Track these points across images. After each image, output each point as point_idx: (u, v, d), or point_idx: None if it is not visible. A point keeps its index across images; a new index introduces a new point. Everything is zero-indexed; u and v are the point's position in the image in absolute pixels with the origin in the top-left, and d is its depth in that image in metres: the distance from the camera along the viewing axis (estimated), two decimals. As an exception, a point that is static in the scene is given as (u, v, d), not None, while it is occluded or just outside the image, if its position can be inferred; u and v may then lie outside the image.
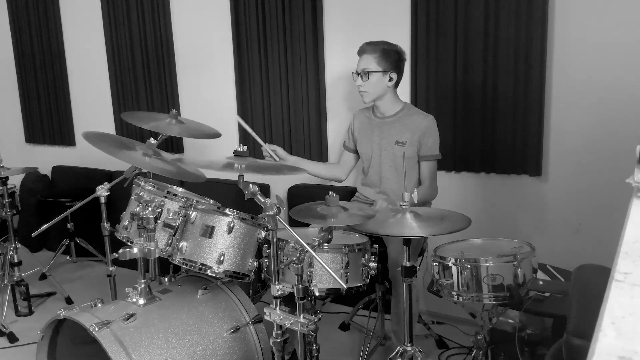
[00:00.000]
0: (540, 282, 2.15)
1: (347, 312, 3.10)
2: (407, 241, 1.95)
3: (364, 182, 2.72)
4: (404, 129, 2.51)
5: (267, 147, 2.58)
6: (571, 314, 1.43)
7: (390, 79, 2.47)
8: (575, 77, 2.53)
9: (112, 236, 2.33)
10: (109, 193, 2.37)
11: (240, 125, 2.45)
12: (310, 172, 2.73)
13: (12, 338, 2.92)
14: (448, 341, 2.77)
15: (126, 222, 2.19)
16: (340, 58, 3.10)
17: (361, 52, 2.49)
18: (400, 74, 2.51)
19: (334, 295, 2.30)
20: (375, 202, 2.47)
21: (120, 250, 1.93)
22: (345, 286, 1.84)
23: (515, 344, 2.04)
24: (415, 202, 1.96)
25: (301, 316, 1.71)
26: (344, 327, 2.99)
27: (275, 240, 1.74)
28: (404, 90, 2.87)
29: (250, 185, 1.76)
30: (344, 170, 2.80)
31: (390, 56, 2.45)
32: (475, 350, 2.13)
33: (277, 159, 2.59)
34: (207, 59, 3.62)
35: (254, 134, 2.52)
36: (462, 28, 2.69)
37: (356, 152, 2.74)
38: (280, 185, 3.36)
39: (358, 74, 2.48)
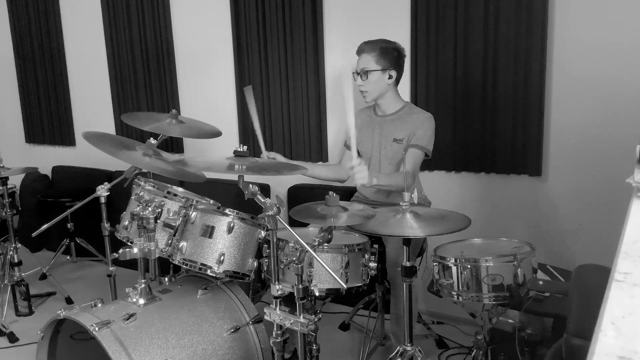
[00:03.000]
0: (540, 282, 2.15)
1: (347, 312, 3.10)
2: (407, 241, 1.95)
3: (363, 182, 2.71)
4: (403, 127, 2.50)
5: (265, 155, 2.52)
6: (571, 314, 1.43)
7: (390, 77, 2.46)
8: (575, 77, 2.53)
9: (112, 236, 2.33)
10: (109, 193, 2.37)
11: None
12: (311, 174, 2.70)
13: (12, 338, 2.92)
14: (448, 341, 2.77)
15: (126, 222, 2.19)
16: (340, 58, 3.10)
17: (360, 51, 2.48)
18: (400, 71, 2.50)
19: (334, 295, 2.30)
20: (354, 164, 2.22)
21: (120, 250, 1.93)
22: (345, 286, 1.84)
23: (515, 344, 2.04)
24: (415, 202, 1.96)
25: (301, 316, 1.71)
26: (344, 327, 2.99)
27: (275, 240, 1.74)
28: (404, 89, 2.87)
29: (250, 185, 1.76)
30: (346, 171, 2.78)
31: (388, 54, 2.43)
32: (475, 350, 2.13)
33: None
34: (207, 59, 3.62)
35: (260, 136, 2.47)
36: (462, 27, 2.69)
37: (357, 151, 2.73)
38: (280, 185, 3.36)
39: (358, 73, 2.47)
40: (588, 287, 1.50)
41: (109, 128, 4.12)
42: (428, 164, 2.87)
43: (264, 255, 2.09)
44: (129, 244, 2.11)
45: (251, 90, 2.47)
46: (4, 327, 2.96)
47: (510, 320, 2.16)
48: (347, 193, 2.79)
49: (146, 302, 1.95)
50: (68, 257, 4.02)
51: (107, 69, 4.03)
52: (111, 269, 2.45)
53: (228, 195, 2.74)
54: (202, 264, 1.97)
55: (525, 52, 2.56)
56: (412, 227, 1.88)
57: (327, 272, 1.68)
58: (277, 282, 1.74)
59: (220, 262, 1.96)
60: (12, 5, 4.50)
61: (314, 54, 3.14)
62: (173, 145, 3.84)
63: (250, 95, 2.44)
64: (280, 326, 1.75)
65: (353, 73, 2.50)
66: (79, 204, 2.50)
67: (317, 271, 1.96)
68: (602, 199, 2.53)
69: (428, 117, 2.48)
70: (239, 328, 2.01)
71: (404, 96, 2.77)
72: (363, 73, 2.44)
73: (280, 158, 2.55)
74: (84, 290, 3.53)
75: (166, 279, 2.22)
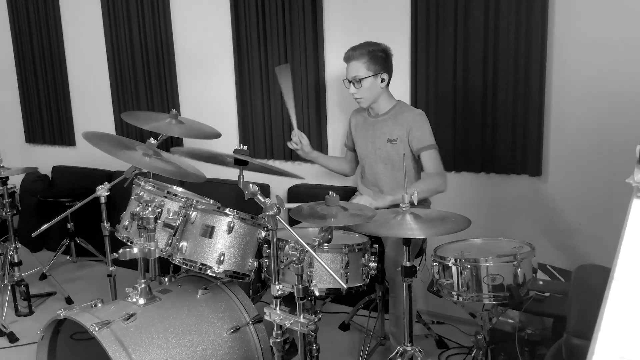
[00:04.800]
0: (540, 282, 2.15)
1: (347, 312, 3.10)
2: (407, 241, 1.95)
3: (362, 182, 2.72)
4: (395, 126, 2.49)
5: (297, 133, 2.65)
6: (571, 314, 1.43)
7: (382, 80, 2.46)
8: (575, 77, 2.53)
9: (112, 236, 2.33)
10: (109, 193, 2.37)
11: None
12: (324, 165, 2.85)
13: (12, 338, 2.92)
14: (448, 341, 2.77)
15: (126, 222, 2.19)
16: (340, 58, 3.08)
17: (348, 59, 2.46)
18: (390, 73, 2.49)
19: (334, 295, 2.30)
20: (356, 195, 2.50)
21: (120, 250, 1.93)
22: (345, 286, 1.84)
23: (515, 344, 2.04)
24: (415, 203, 1.95)
25: (301, 316, 1.70)
26: (344, 327, 2.99)
27: (275, 240, 1.74)
28: (404, 90, 2.87)
29: (250, 185, 1.76)
30: (351, 166, 2.87)
31: (377, 57, 2.42)
32: (475, 350, 2.13)
33: (298, 147, 2.69)
34: (207, 59, 3.62)
35: (292, 114, 2.61)
36: (462, 28, 2.69)
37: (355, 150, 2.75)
38: (280, 185, 3.36)
39: (350, 81, 2.45)
40: (588, 287, 1.50)
41: (109, 128, 4.11)
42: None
43: (264, 255, 2.09)
44: (129, 244, 2.11)
45: (288, 69, 2.56)
46: (4, 327, 2.96)
47: (510, 320, 2.17)
48: (347, 193, 2.79)
49: (146, 302, 1.95)
50: (68, 257, 4.02)
51: (107, 69, 4.03)
52: (111, 269, 2.45)
53: (228, 195, 2.74)
54: (202, 264, 1.97)
55: (525, 52, 2.56)
56: (412, 228, 1.88)
57: (327, 272, 1.68)
58: (277, 282, 1.74)
59: (220, 262, 1.96)
60: (12, 5, 4.50)
61: (314, 54, 3.14)
62: (173, 145, 3.84)
63: (287, 74, 2.50)
64: (280, 326, 1.75)
65: (344, 80, 2.49)
66: (79, 204, 2.50)
67: (317, 271, 1.96)
68: (602, 199, 2.53)
69: (418, 113, 2.48)
70: (239, 328, 2.01)
71: (404, 98, 2.77)
72: (356, 81, 2.43)
73: (306, 141, 2.69)
74: (84, 290, 3.53)
75: (166, 279, 2.22)
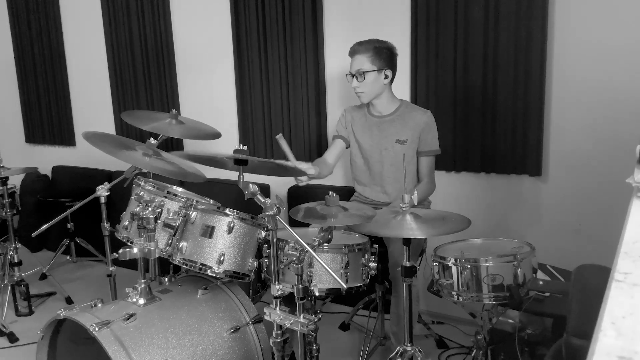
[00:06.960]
0: (540, 282, 2.15)
1: (347, 312, 3.10)
2: (406, 241, 1.95)
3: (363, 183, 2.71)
4: (405, 127, 2.50)
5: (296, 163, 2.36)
6: (571, 314, 1.43)
7: (386, 77, 2.46)
8: (575, 77, 2.53)
9: (112, 236, 2.33)
10: (109, 193, 2.37)
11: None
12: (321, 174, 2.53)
13: (12, 338, 2.92)
14: (448, 341, 2.77)
15: (126, 222, 2.19)
16: (340, 58, 3.10)
17: (353, 52, 2.47)
18: (394, 70, 2.49)
19: (334, 295, 2.30)
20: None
21: (120, 250, 1.93)
22: (345, 286, 1.84)
23: (515, 344, 2.04)
24: (415, 203, 1.95)
25: (301, 316, 1.70)
26: (344, 327, 2.99)
27: (275, 240, 1.74)
28: (404, 89, 2.87)
29: (250, 185, 1.76)
30: (327, 166, 2.62)
31: (382, 53, 2.43)
32: (475, 350, 2.13)
33: (309, 176, 2.39)
34: (207, 59, 3.62)
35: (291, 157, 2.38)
36: (462, 28, 2.69)
37: (349, 143, 2.65)
38: (280, 185, 3.36)
39: (353, 75, 2.46)
40: (588, 287, 1.50)
41: (109, 128, 4.12)
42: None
43: (264, 255, 2.09)
44: (129, 244, 2.11)
45: (283, 138, 2.36)
46: (4, 327, 2.96)
47: (510, 320, 2.16)
48: (347, 193, 2.79)
49: (146, 302, 1.95)
50: (68, 257, 4.02)
51: (107, 69, 4.03)
52: (111, 269, 2.45)
53: (228, 195, 2.74)
54: (202, 264, 1.97)
55: (525, 52, 2.56)
56: (412, 228, 1.88)
57: (327, 272, 1.68)
58: (277, 282, 1.74)
59: (220, 262, 1.96)
60: (12, 5, 4.50)
61: (314, 54, 3.14)
62: (173, 145, 3.84)
63: (284, 142, 2.35)
64: (280, 326, 1.75)
65: (347, 75, 2.49)
66: (79, 204, 2.50)
67: (317, 271, 1.96)
68: (602, 199, 2.53)
69: (430, 117, 2.50)
70: (239, 328, 2.01)
71: (404, 97, 2.77)
72: (359, 74, 2.43)
73: (307, 168, 2.40)
74: (84, 290, 3.54)
75: (166, 279, 2.22)
